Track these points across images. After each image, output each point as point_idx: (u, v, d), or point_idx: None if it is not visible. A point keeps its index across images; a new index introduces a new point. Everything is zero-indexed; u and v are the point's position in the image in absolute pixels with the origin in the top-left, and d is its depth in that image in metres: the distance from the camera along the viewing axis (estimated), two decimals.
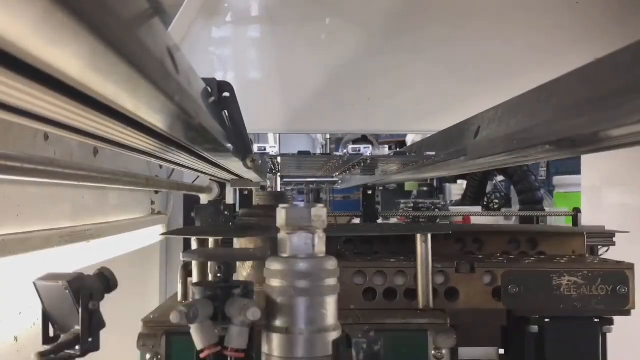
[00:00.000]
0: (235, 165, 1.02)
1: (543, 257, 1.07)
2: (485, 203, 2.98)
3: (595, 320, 0.93)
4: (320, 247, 0.63)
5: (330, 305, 0.63)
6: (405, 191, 4.05)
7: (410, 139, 3.26)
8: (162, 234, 0.92)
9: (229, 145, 0.84)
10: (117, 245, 1.31)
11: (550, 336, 0.92)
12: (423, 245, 0.89)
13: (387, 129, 2.74)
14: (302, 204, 0.60)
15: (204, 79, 0.77)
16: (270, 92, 1.90)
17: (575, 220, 2.06)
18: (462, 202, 3.11)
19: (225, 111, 0.92)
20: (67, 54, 0.26)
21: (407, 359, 0.83)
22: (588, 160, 2.03)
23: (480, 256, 1.05)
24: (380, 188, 2.84)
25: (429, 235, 0.90)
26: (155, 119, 0.46)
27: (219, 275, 0.66)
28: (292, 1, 1.88)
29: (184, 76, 0.49)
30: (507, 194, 3.13)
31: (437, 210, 2.63)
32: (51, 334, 0.70)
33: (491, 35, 1.84)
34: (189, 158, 0.78)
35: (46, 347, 0.68)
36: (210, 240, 0.94)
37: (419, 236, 0.90)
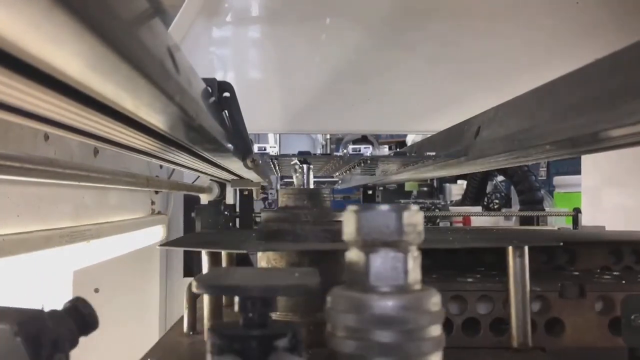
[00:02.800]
0: (236, 165, 1.02)
1: None
2: (485, 203, 2.98)
3: None
4: (415, 274, 0.41)
5: None
6: (405, 191, 4.05)
7: (410, 139, 3.26)
8: (163, 245, 0.79)
9: (229, 146, 0.84)
10: (117, 245, 1.31)
11: None
12: (517, 262, 0.66)
13: (387, 129, 2.74)
14: (383, 206, 0.40)
15: (205, 79, 0.77)
16: (270, 92, 1.90)
17: (576, 221, 2.06)
18: (462, 202, 3.11)
19: (226, 111, 0.92)
20: (67, 54, 0.26)
21: None
22: (588, 160, 2.03)
23: (576, 273, 0.84)
24: (380, 188, 2.84)
25: (526, 249, 0.66)
26: (156, 119, 0.46)
27: (250, 314, 0.42)
28: (292, 1, 1.88)
29: (185, 76, 0.49)
30: (507, 194, 3.13)
31: (437, 210, 2.64)
32: None
33: (491, 35, 1.84)
34: (189, 158, 0.78)
35: None
36: (223, 253, 0.75)
37: (511, 249, 0.66)
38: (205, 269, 0.70)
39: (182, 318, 0.79)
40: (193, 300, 0.76)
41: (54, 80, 0.29)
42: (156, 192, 1.82)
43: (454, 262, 0.84)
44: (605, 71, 0.51)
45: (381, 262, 0.40)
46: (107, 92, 0.34)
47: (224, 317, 0.71)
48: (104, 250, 1.21)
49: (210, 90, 0.84)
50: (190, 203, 2.16)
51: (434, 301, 0.40)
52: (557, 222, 2.28)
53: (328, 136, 5.10)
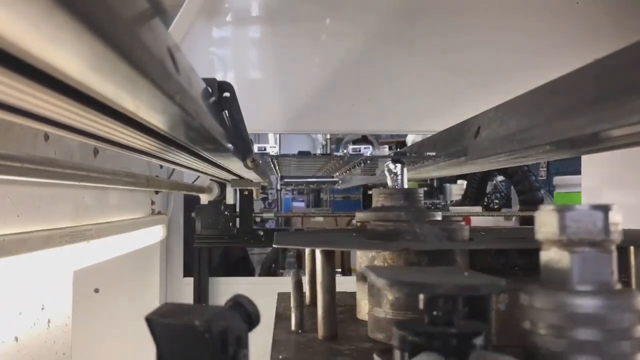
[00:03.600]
0: (236, 165, 1.02)
1: None
2: (485, 203, 2.98)
3: None
4: (616, 273, 0.42)
5: None
6: None
7: (410, 139, 3.26)
8: (275, 245, 0.74)
9: (230, 146, 0.85)
10: (117, 245, 1.31)
11: None
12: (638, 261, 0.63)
13: (387, 129, 2.74)
14: (585, 205, 0.41)
15: (205, 79, 0.77)
16: (270, 92, 1.90)
17: None
18: (462, 202, 3.11)
19: (226, 111, 0.92)
20: (67, 54, 0.26)
21: None
22: (588, 160, 2.03)
23: None
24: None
25: None
26: (156, 119, 0.46)
27: (435, 313, 0.43)
28: (292, 1, 1.88)
29: (185, 76, 0.49)
30: (507, 194, 3.13)
31: (437, 210, 2.64)
32: None
33: (491, 35, 1.84)
34: (190, 158, 0.78)
35: None
36: (317, 252, 0.71)
37: (632, 249, 0.65)
38: (319, 269, 0.69)
39: (280, 317, 0.81)
40: (300, 299, 0.75)
41: (54, 80, 0.29)
42: (156, 192, 1.82)
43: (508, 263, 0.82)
44: (605, 71, 0.51)
45: (586, 262, 0.40)
46: (107, 92, 0.34)
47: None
48: (104, 250, 1.21)
49: (210, 90, 0.84)
50: (191, 203, 2.16)
51: (639, 301, 0.40)
52: None
53: (328, 136, 5.10)
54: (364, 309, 0.76)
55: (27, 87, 0.30)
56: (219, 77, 0.92)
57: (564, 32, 1.80)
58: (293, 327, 0.74)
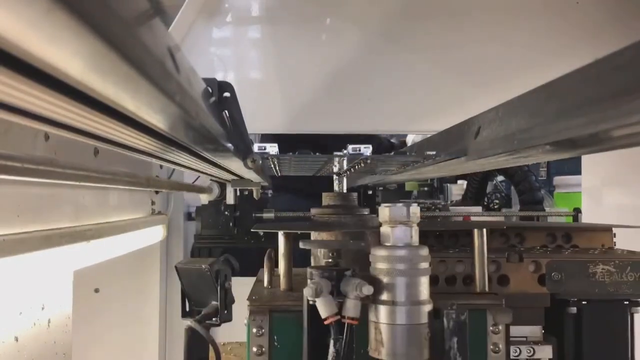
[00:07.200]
0: (236, 165, 1.02)
1: (577, 249, 1.23)
2: (485, 203, 2.97)
3: (625, 302, 1.09)
4: (415, 238, 0.81)
5: (425, 284, 0.81)
6: (406, 191, 4.04)
7: (410, 139, 3.26)
8: (254, 229, 1.15)
9: (230, 146, 0.84)
10: (117, 245, 1.31)
11: (586, 316, 1.09)
12: (479, 239, 1.02)
13: (387, 129, 2.73)
14: (399, 204, 0.81)
15: (205, 79, 0.77)
16: (270, 92, 1.90)
17: (576, 220, 2.06)
18: (462, 202, 3.10)
19: (226, 111, 0.92)
20: (68, 54, 0.26)
21: (471, 333, 0.92)
22: (588, 161, 2.03)
23: (522, 248, 1.21)
24: (380, 188, 2.84)
25: (484, 230, 1.03)
26: (156, 119, 0.46)
27: (329, 260, 0.86)
28: (292, 1, 1.88)
29: (185, 76, 0.49)
30: (508, 194, 3.13)
31: (437, 210, 2.63)
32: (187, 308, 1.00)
33: (491, 35, 1.84)
34: (190, 158, 0.78)
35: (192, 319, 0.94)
36: (280, 233, 1.03)
37: (476, 231, 1.02)
38: (281, 244, 1.03)
39: (258, 280, 1.12)
40: (271, 265, 1.07)
41: (54, 80, 0.29)
42: (156, 192, 1.82)
43: (441, 242, 1.26)
44: (605, 71, 0.51)
45: (399, 232, 0.81)
46: (107, 92, 0.34)
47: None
48: (104, 250, 1.21)
49: (211, 90, 0.84)
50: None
51: (425, 251, 0.82)
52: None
53: None
54: None
55: (27, 87, 0.30)
56: (219, 77, 0.92)
57: (564, 32, 1.80)
58: (265, 284, 1.07)
